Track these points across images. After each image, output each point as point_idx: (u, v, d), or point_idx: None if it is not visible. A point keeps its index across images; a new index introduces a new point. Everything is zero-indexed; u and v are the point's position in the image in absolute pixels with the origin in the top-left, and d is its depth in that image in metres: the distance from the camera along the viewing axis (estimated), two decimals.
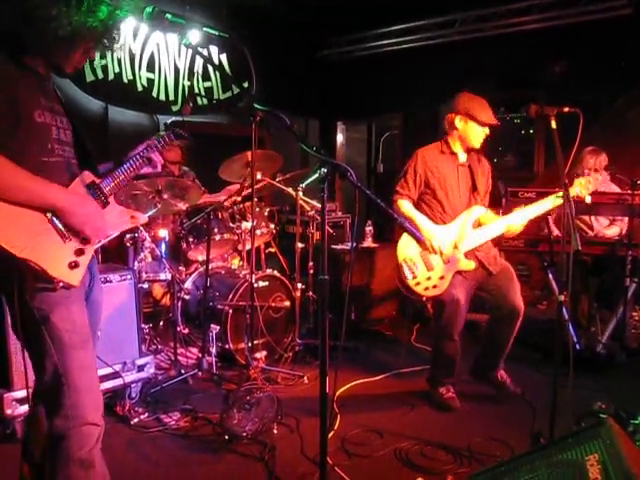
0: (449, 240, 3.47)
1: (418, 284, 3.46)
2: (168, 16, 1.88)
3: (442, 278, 3.44)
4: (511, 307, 3.49)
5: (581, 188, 3.33)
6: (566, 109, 3.03)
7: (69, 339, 1.92)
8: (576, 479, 1.74)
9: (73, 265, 1.91)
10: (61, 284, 1.87)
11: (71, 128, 2.07)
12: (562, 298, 2.70)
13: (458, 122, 3.51)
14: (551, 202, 3.38)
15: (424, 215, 3.56)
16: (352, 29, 7.07)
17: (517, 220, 3.45)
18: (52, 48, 1.89)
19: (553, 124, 3.03)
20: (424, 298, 3.53)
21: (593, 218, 4.73)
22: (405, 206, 3.56)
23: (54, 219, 1.88)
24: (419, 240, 1.88)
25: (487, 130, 3.51)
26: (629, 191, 4.11)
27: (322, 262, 1.81)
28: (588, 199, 3.38)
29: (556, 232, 4.42)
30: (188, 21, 1.94)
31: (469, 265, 3.47)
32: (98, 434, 1.99)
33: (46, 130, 1.93)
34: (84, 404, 1.94)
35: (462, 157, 3.61)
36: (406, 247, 3.52)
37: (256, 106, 1.83)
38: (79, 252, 1.95)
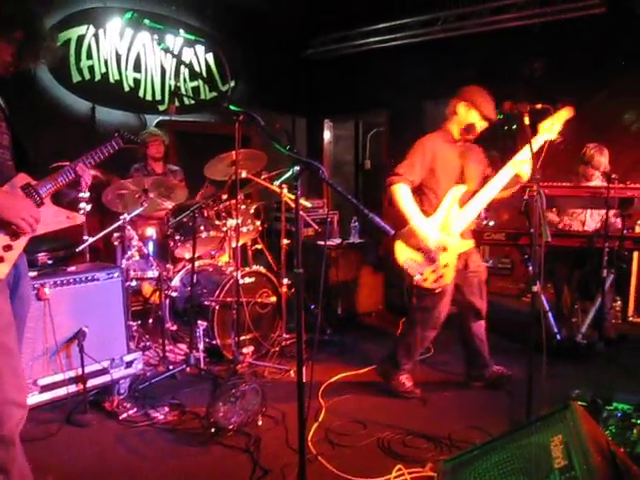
0: (439, 228, 3.45)
1: (426, 280, 3.43)
2: (146, 22, 1.95)
3: (446, 266, 3.43)
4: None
5: (546, 132, 3.34)
6: (539, 106, 3.12)
7: None
8: (541, 458, 1.83)
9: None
10: None
11: (9, 132, 2.14)
12: (535, 289, 2.79)
13: (460, 108, 3.52)
14: (510, 168, 3.45)
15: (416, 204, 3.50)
16: (338, 27, 7.17)
17: (492, 192, 3.49)
18: None
19: (526, 120, 3.12)
20: (436, 291, 3.45)
21: (588, 216, 4.69)
22: (402, 191, 3.42)
23: None
24: (388, 233, 1.93)
25: (484, 124, 3.53)
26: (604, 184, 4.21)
27: (297, 256, 1.89)
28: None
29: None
30: (166, 26, 2.01)
31: (469, 244, 3.51)
32: (20, 416, 2.06)
33: None
34: (6, 385, 2.00)
35: (459, 144, 3.62)
36: (403, 248, 3.47)
37: (230, 107, 1.90)
38: (7, 248, 2.07)
